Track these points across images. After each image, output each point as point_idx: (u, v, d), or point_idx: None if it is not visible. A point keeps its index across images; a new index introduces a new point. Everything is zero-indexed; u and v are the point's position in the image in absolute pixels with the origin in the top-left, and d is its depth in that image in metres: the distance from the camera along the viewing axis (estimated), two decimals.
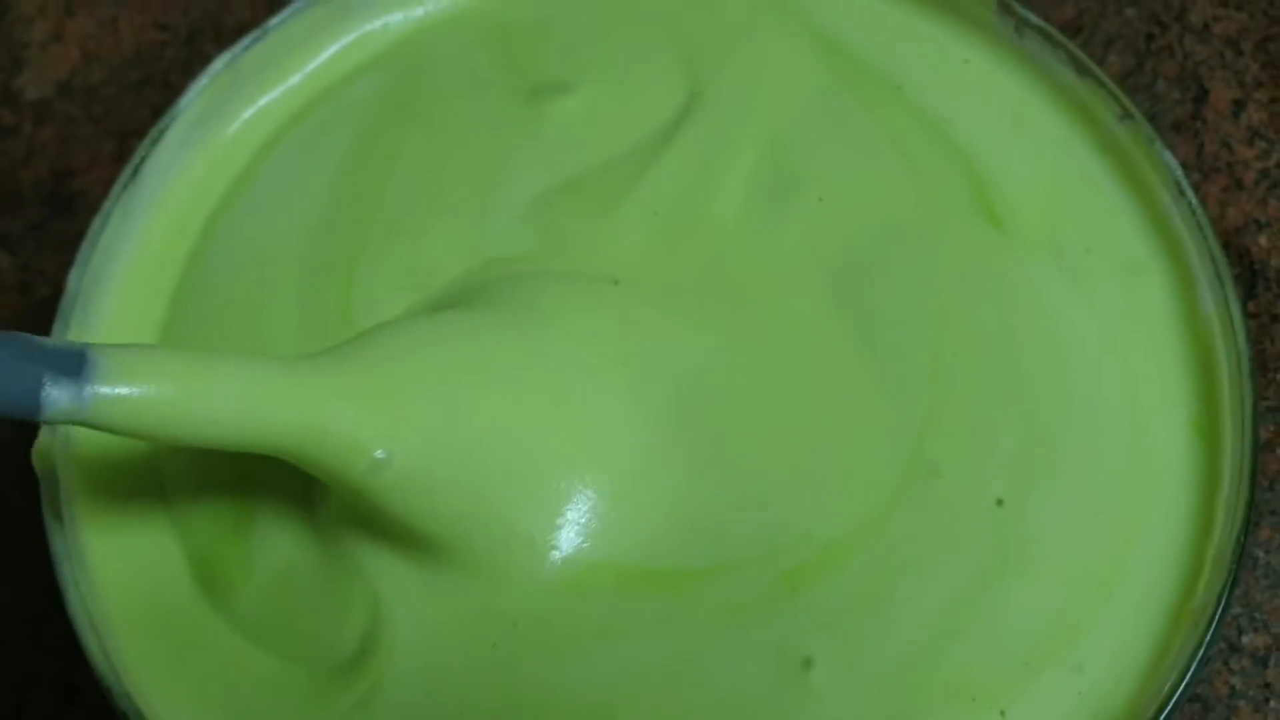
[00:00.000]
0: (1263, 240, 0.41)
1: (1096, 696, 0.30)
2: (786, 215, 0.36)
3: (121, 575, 0.32)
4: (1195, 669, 0.29)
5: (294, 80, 0.40)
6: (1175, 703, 0.29)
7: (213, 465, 0.34)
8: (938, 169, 0.37)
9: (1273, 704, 0.35)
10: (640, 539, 0.32)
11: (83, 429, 0.32)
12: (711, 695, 0.30)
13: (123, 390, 0.26)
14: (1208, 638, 0.29)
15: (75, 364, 0.26)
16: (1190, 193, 0.34)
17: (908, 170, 0.37)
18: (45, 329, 0.34)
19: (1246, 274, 0.41)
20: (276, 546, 0.33)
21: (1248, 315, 0.40)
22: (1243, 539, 0.30)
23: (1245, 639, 0.36)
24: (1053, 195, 0.36)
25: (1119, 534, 0.32)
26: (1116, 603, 0.31)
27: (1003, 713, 0.30)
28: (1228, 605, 0.30)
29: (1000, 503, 0.32)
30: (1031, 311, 0.34)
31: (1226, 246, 0.41)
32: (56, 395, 0.26)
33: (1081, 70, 0.36)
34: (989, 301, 0.35)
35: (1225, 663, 0.36)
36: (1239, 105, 0.44)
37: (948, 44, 0.39)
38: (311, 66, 0.40)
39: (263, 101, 0.39)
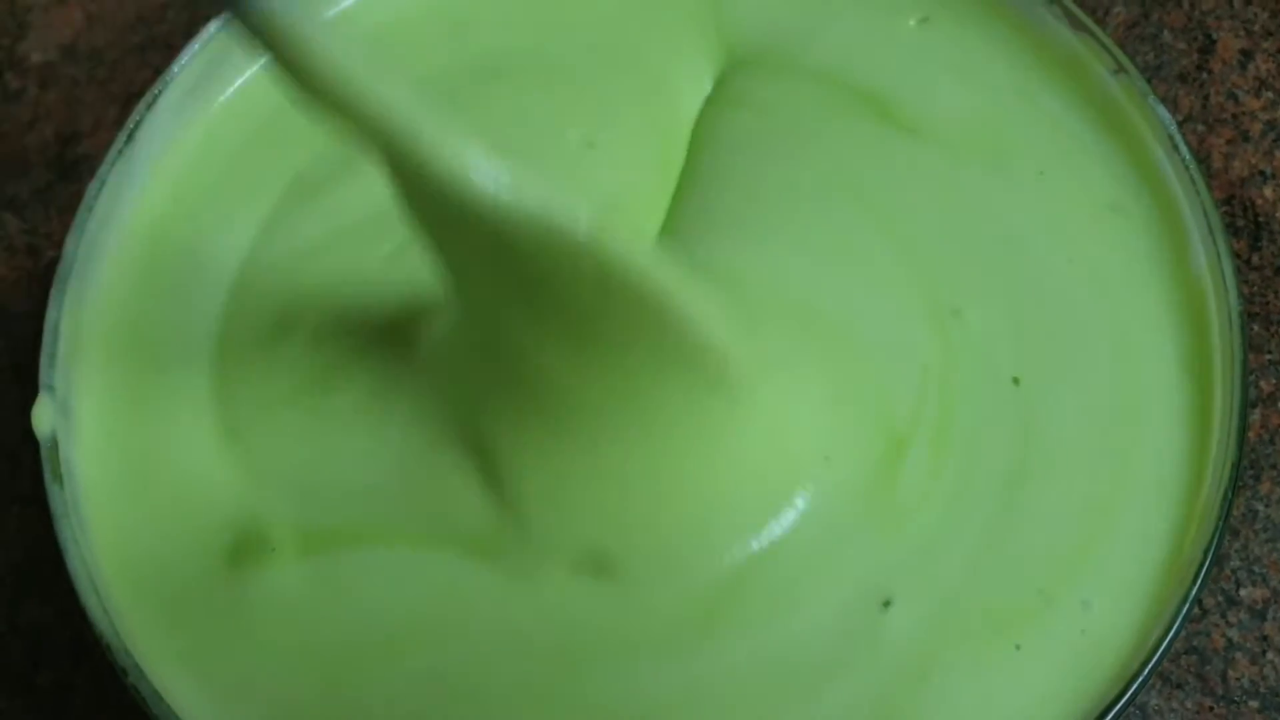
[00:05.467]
0: (1268, 192, 0.41)
1: (1098, 636, 0.30)
2: None
3: (123, 534, 0.33)
4: (1180, 622, 0.29)
5: None
6: (1161, 654, 0.29)
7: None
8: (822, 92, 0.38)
9: (1269, 656, 0.35)
10: None
11: None
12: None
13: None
14: (1193, 592, 0.29)
15: None
16: (1184, 148, 0.34)
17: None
18: None
19: (1251, 226, 0.40)
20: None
21: (1251, 268, 0.40)
22: (1230, 497, 0.30)
23: (1243, 592, 0.36)
24: (989, 120, 0.37)
25: (1118, 451, 0.32)
26: (1119, 537, 0.31)
27: (1018, 646, 0.30)
28: (1213, 561, 0.30)
29: (1017, 381, 0.33)
30: (975, 209, 0.35)
31: (1231, 199, 0.40)
32: None
33: (1076, 25, 0.36)
34: (916, 190, 0.36)
35: (1223, 615, 0.36)
36: (1246, 55, 0.43)
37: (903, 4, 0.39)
38: None
39: (257, 68, 0.39)
